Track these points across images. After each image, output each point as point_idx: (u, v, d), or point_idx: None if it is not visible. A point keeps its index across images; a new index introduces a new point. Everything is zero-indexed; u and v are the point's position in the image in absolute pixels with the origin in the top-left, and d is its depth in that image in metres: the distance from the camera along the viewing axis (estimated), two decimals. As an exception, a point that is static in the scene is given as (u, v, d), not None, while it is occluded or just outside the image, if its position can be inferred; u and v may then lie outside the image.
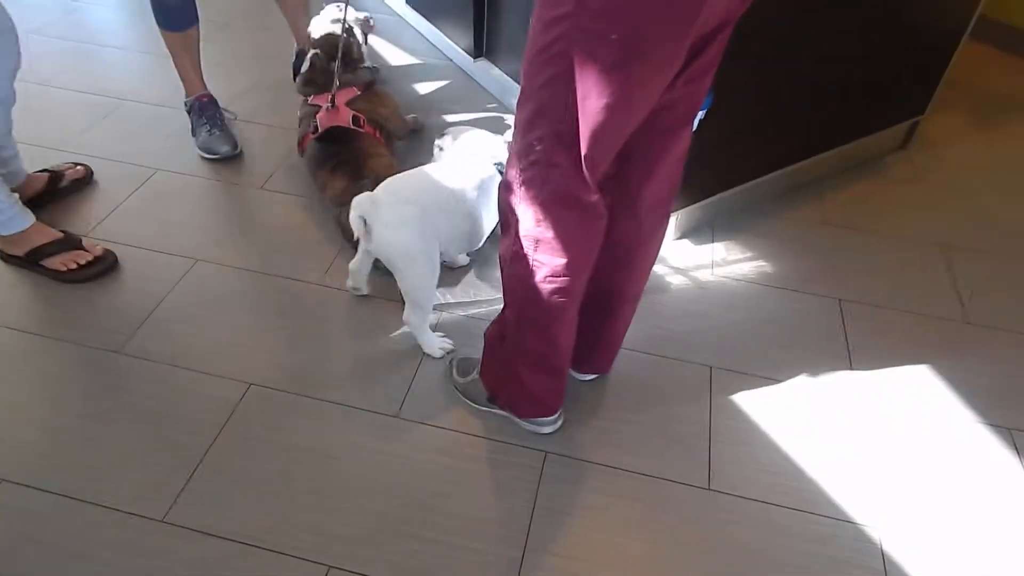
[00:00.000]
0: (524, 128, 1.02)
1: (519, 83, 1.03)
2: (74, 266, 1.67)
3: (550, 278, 1.12)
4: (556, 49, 0.91)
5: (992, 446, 1.44)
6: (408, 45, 2.71)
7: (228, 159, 2.08)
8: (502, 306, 1.27)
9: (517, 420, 1.41)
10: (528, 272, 1.13)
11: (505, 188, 1.10)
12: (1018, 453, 1.43)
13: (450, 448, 1.39)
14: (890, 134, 2.18)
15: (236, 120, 2.16)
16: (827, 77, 1.80)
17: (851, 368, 1.58)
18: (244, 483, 1.31)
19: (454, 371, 1.49)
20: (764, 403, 1.50)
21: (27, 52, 1.64)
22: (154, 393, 1.45)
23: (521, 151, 1.04)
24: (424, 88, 2.48)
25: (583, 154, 0.98)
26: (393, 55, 2.64)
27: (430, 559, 1.22)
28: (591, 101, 0.92)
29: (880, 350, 1.63)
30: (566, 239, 1.08)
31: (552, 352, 1.26)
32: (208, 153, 2.08)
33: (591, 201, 1.05)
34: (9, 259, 1.71)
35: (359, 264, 1.61)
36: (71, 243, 1.70)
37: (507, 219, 1.13)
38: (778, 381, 1.55)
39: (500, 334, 1.31)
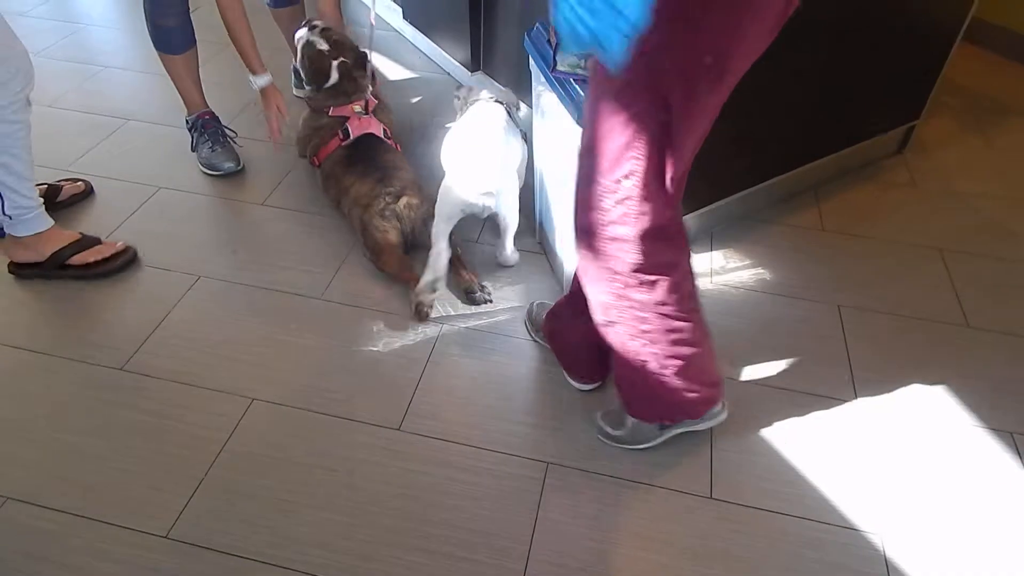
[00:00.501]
0: (605, 169, 1.03)
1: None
2: (100, 258, 1.75)
3: (659, 304, 1.14)
4: (642, 83, 0.94)
5: (994, 450, 1.44)
6: (406, 59, 2.73)
7: (230, 175, 2.10)
8: (624, 355, 1.26)
9: (694, 424, 1.39)
10: (638, 306, 1.15)
11: (585, 233, 1.11)
12: (1020, 457, 1.43)
13: (452, 460, 1.39)
14: (886, 139, 2.19)
15: (236, 137, 2.19)
16: (821, 83, 1.82)
17: (851, 374, 1.58)
18: (247, 498, 1.32)
19: (607, 428, 1.42)
20: (765, 411, 1.50)
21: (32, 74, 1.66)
22: (157, 410, 1.46)
23: (602, 192, 1.05)
24: (422, 101, 2.50)
25: (671, 177, 1.01)
26: (391, 69, 2.66)
27: (433, 571, 1.22)
28: (686, 124, 0.95)
29: (880, 355, 1.63)
30: (662, 267, 1.11)
31: (686, 368, 1.25)
32: (211, 170, 2.10)
33: (678, 221, 1.09)
34: (22, 270, 1.73)
35: (443, 265, 1.66)
36: (91, 242, 1.77)
37: (590, 264, 1.15)
38: (779, 388, 1.55)
39: (639, 365, 1.28)
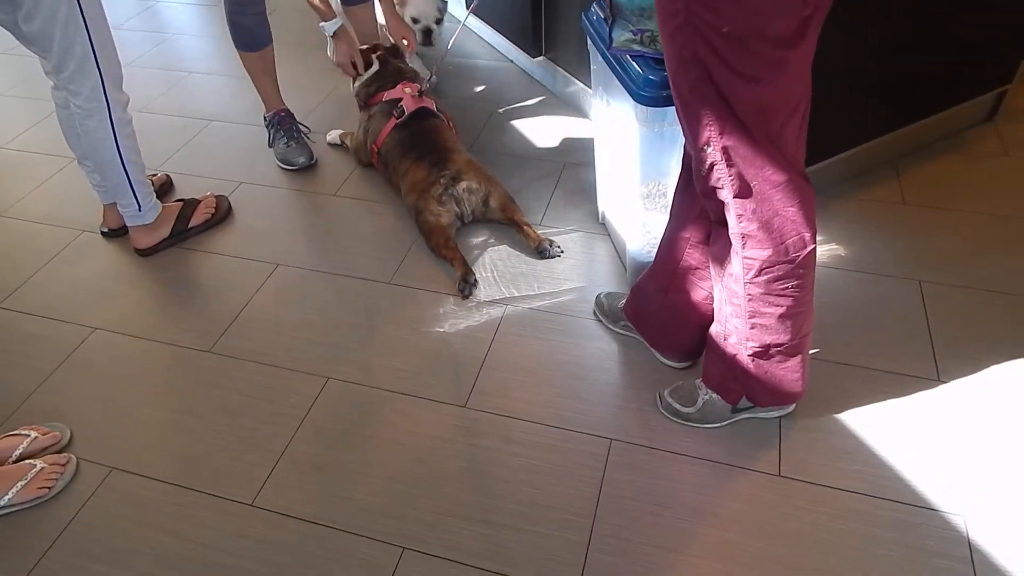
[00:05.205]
0: (691, 139, 1.09)
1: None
2: (212, 213, 1.99)
3: (766, 269, 1.15)
4: (687, 58, 1.00)
5: (1094, 430, 1.35)
6: (468, 48, 2.77)
7: (304, 169, 2.20)
8: (722, 310, 1.28)
9: (763, 411, 1.40)
10: (742, 270, 1.17)
11: (706, 196, 1.15)
12: (1125, 437, 1.33)
13: (516, 436, 1.42)
14: (973, 106, 2.06)
15: (310, 133, 2.29)
16: (901, 46, 1.73)
17: (933, 351, 1.51)
18: (324, 470, 1.39)
19: (676, 405, 1.42)
20: (838, 389, 1.46)
21: (124, 82, 1.80)
22: (242, 388, 1.56)
23: (697, 163, 1.11)
24: (485, 88, 2.53)
25: (756, 139, 1.04)
26: (454, 57, 2.71)
27: (498, 542, 1.26)
28: (740, 91, 1.00)
29: (965, 333, 1.54)
30: (759, 240, 1.12)
31: (763, 355, 1.27)
32: (286, 164, 2.21)
33: (783, 180, 1.08)
34: (153, 250, 1.92)
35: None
36: (194, 202, 2.00)
37: (718, 230, 1.19)
38: (854, 366, 1.50)
39: (724, 334, 1.30)
